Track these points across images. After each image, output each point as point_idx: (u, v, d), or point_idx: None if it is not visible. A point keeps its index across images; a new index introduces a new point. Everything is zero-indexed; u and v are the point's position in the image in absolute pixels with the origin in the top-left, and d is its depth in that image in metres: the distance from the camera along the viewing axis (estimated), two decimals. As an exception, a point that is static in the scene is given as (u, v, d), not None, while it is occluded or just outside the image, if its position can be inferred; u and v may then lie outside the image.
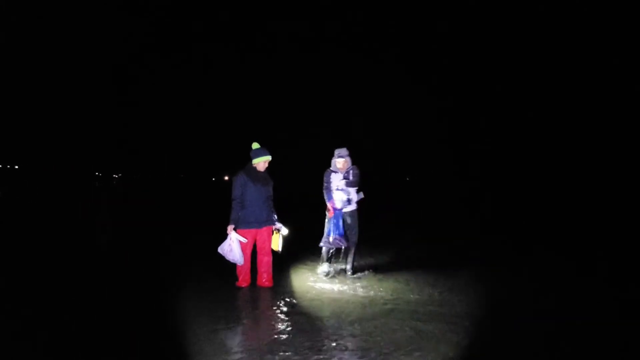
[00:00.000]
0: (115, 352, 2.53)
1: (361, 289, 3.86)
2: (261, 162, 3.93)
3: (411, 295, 3.66)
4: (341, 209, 4.21)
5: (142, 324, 2.99)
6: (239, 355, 2.44)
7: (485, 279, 4.19)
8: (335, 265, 4.47)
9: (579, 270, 4.68)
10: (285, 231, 4.01)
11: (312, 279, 4.24)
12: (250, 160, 3.95)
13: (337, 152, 4.28)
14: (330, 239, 4.16)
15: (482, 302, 3.46)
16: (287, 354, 2.47)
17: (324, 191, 4.32)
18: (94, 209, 11.86)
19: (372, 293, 3.74)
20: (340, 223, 4.18)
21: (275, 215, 3.99)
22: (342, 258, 4.48)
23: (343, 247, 4.30)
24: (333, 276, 4.25)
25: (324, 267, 4.35)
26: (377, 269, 4.58)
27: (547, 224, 8.92)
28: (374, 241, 6.26)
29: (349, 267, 4.30)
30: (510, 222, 9.73)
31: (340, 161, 4.23)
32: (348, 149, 4.34)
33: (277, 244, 4.00)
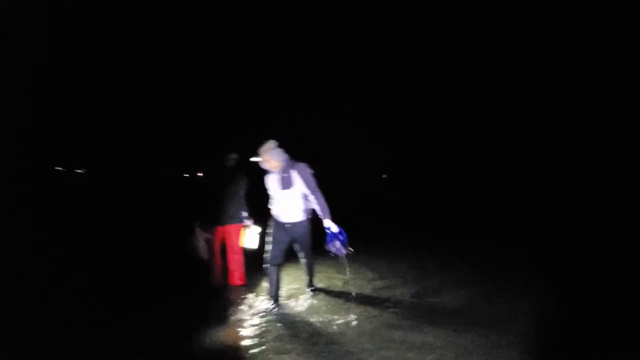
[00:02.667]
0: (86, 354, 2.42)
1: (335, 292, 3.86)
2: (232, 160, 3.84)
3: (392, 297, 3.67)
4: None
5: (102, 323, 2.87)
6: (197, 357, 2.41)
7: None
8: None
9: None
10: (256, 229, 3.87)
11: (287, 278, 4.12)
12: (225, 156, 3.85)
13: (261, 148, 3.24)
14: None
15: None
16: (251, 351, 2.45)
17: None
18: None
19: (344, 293, 3.73)
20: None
21: (245, 213, 3.86)
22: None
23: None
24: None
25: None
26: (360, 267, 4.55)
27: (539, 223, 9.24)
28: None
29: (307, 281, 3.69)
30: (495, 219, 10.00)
31: (262, 160, 3.22)
32: (276, 141, 3.24)
33: (246, 240, 3.88)
